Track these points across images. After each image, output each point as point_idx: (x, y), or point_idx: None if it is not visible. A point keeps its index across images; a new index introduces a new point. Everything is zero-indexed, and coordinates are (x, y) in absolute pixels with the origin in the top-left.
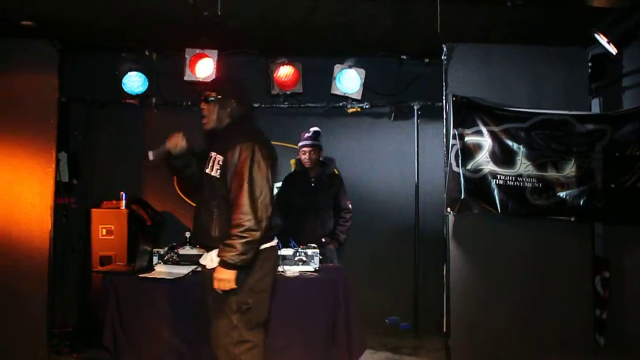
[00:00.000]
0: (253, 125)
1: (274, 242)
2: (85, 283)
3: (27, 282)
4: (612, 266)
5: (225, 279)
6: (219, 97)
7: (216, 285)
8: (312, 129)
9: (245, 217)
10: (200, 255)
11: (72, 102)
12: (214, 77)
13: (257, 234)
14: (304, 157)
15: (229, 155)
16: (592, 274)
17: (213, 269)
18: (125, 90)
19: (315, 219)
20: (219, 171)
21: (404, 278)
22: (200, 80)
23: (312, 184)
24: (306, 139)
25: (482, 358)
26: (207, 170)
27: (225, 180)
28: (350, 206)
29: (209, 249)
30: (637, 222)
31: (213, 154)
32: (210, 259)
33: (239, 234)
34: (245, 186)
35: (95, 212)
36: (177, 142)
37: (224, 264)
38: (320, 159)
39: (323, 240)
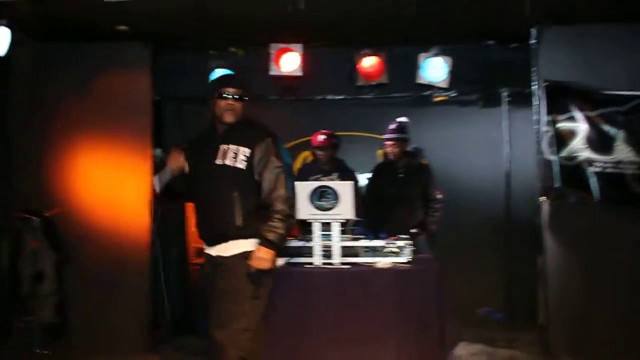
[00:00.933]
0: None
1: None
2: (183, 274)
3: (130, 274)
4: None
5: (266, 258)
6: (246, 96)
7: (256, 263)
8: (398, 120)
9: (287, 205)
10: (294, 247)
11: (165, 100)
12: (300, 70)
13: (294, 222)
14: (388, 150)
15: (257, 148)
16: None
17: (230, 257)
18: None
19: (404, 210)
20: (244, 162)
21: (495, 269)
22: (286, 74)
23: (401, 175)
24: (389, 132)
25: (582, 352)
26: (227, 162)
27: (251, 171)
28: (439, 196)
29: (226, 240)
30: None
31: (231, 146)
32: (225, 248)
33: (282, 217)
34: (283, 177)
35: (189, 205)
36: (179, 162)
37: (267, 243)
38: (408, 149)
39: (413, 231)
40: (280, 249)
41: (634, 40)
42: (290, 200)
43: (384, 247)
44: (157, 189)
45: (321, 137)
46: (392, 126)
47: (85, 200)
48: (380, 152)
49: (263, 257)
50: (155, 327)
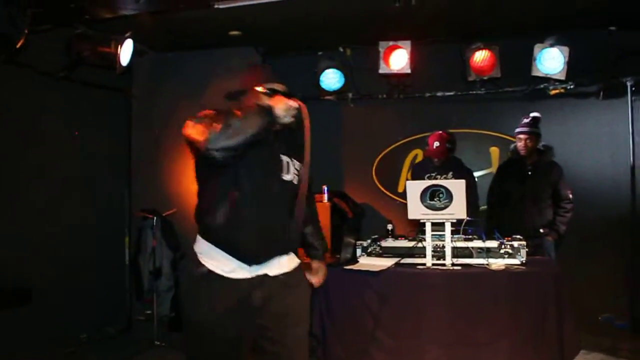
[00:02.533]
0: None
1: None
2: None
3: None
4: None
5: (325, 273)
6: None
7: (321, 280)
8: (532, 115)
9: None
10: (406, 248)
11: None
12: (408, 68)
13: None
14: (520, 145)
15: (303, 162)
16: None
17: (292, 272)
18: (322, 87)
19: (532, 209)
20: (297, 178)
21: (619, 272)
22: (395, 71)
23: (529, 172)
24: (523, 126)
25: None
26: (288, 178)
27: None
28: (571, 196)
29: (283, 253)
30: None
31: (291, 160)
32: (279, 264)
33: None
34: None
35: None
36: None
37: (322, 258)
38: (538, 146)
39: (541, 231)
40: None
41: None
42: None
43: (497, 248)
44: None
45: (435, 145)
46: (526, 120)
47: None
48: (494, 149)
49: (324, 273)
50: None
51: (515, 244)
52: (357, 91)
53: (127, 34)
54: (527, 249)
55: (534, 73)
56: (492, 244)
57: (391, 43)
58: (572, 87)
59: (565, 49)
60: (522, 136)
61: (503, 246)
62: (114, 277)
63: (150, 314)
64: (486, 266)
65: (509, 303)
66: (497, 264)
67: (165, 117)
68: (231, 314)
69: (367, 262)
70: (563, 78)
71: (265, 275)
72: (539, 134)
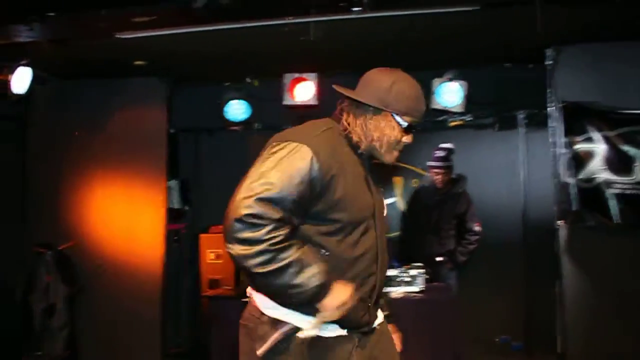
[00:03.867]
0: None
1: None
2: (196, 306)
3: (144, 304)
4: None
5: None
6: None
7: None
8: (443, 146)
9: None
10: None
11: (181, 132)
12: (315, 100)
13: None
14: (437, 179)
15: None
16: None
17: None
18: (228, 118)
19: (433, 237)
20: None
21: (514, 295)
22: (300, 103)
23: (436, 201)
24: (437, 160)
25: None
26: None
27: None
28: (477, 229)
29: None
30: None
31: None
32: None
33: None
34: None
35: (203, 237)
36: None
37: None
38: (453, 176)
39: (438, 259)
40: None
41: None
42: None
43: (396, 276)
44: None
45: None
46: (439, 153)
47: (100, 232)
48: (397, 179)
49: None
50: (167, 357)
51: (414, 272)
52: (263, 122)
53: (23, 61)
54: (427, 277)
55: (433, 106)
56: (392, 272)
57: (296, 75)
58: (470, 119)
59: (464, 83)
60: (435, 170)
61: (401, 274)
62: (4, 317)
63: (40, 355)
64: (386, 293)
65: (405, 330)
66: (396, 291)
67: (63, 146)
68: None
69: None
70: (461, 110)
71: (368, 330)
72: (450, 166)
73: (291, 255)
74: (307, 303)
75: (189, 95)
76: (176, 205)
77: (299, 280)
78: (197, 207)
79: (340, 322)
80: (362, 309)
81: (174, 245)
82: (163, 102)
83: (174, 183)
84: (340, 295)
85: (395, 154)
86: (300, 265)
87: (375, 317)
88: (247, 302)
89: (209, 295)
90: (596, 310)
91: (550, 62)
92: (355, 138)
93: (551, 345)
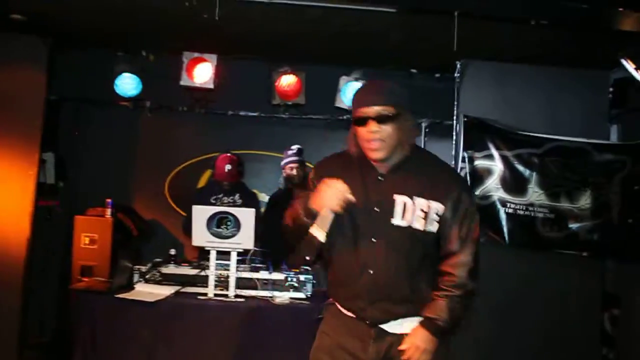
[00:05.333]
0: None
1: None
2: (64, 293)
3: (1, 290)
4: (623, 303)
5: (428, 348)
6: (398, 111)
7: (414, 355)
8: (296, 146)
9: (470, 281)
10: (188, 275)
11: (63, 101)
12: (212, 83)
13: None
14: (292, 173)
15: (448, 201)
16: (601, 311)
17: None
18: (118, 92)
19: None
20: (436, 224)
21: None
22: (198, 85)
23: None
24: (292, 156)
25: None
26: (417, 225)
27: (439, 233)
28: None
29: (409, 316)
30: None
31: (414, 200)
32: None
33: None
34: (473, 243)
35: (78, 219)
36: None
37: (435, 327)
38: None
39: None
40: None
41: (552, 83)
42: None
43: (284, 280)
44: (323, 239)
45: (227, 168)
46: (293, 149)
47: None
48: None
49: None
50: (27, 349)
51: (302, 277)
52: (156, 101)
53: None
54: (312, 282)
55: (337, 104)
56: (279, 276)
57: (196, 55)
58: None
59: None
60: (293, 165)
61: (289, 279)
62: None
63: None
64: (271, 299)
65: (288, 338)
66: (281, 297)
67: None
68: None
69: (144, 290)
70: None
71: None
72: (305, 162)
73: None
74: (307, 212)
75: (75, 61)
76: (50, 180)
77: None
78: (74, 185)
79: (347, 307)
80: (358, 302)
81: (45, 224)
82: (42, 65)
83: (49, 156)
84: (324, 188)
85: (370, 146)
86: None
87: (383, 319)
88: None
89: (76, 288)
90: (482, 329)
91: (458, 75)
92: (349, 150)
93: None
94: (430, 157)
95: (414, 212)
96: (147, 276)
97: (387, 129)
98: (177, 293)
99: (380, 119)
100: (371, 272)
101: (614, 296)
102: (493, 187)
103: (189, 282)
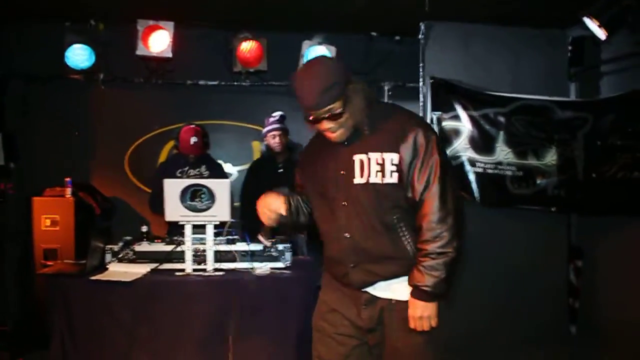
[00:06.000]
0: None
1: None
2: (26, 278)
3: None
4: (585, 255)
5: (426, 315)
6: (345, 100)
7: (417, 325)
8: (277, 113)
9: (443, 228)
10: (163, 252)
11: (10, 77)
12: (169, 52)
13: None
14: (274, 141)
15: (403, 148)
16: (567, 263)
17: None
18: (68, 64)
19: None
20: (395, 174)
21: None
22: (155, 54)
23: (280, 170)
24: (273, 123)
25: (454, 351)
26: (375, 179)
27: (403, 183)
28: None
29: (395, 276)
30: (617, 212)
31: (369, 155)
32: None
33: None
34: (438, 186)
35: (37, 200)
36: (278, 208)
37: (424, 294)
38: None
39: None
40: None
41: (519, 44)
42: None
43: (262, 251)
44: (268, 243)
45: (193, 140)
46: (275, 117)
47: None
48: (256, 143)
49: (424, 316)
50: None
51: (280, 246)
52: (110, 72)
53: None
54: (291, 251)
55: None
56: (257, 246)
57: (151, 22)
58: None
59: (333, 48)
60: (275, 132)
61: (267, 250)
62: None
63: None
64: (250, 271)
65: (274, 309)
66: (262, 268)
67: None
68: None
69: (118, 270)
70: None
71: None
72: (287, 130)
73: None
74: None
75: (20, 35)
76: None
77: None
78: (26, 165)
79: (333, 275)
80: (340, 267)
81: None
82: None
83: None
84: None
85: (330, 137)
86: None
87: (368, 282)
88: (96, 280)
89: (44, 273)
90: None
91: (422, 36)
92: None
93: None
94: (389, 111)
95: (370, 167)
96: (120, 255)
97: (340, 120)
98: (153, 271)
99: (331, 117)
100: (347, 235)
101: (578, 248)
102: (462, 147)
103: (165, 259)
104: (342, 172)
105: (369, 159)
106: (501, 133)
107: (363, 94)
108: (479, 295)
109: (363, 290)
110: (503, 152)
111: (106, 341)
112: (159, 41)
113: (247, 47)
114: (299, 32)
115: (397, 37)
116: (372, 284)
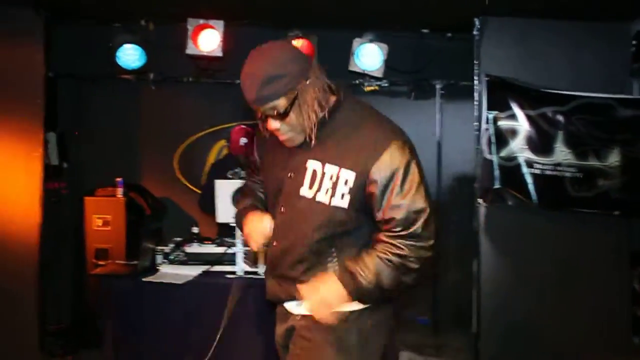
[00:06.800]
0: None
1: None
2: (79, 278)
3: (16, 278)
4: None
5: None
6: (292, 96)
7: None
8: None
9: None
10: (214, 254)
11: (61, 77)
12: (220, 50)
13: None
14: None
15: (376, 169)
16: (630, 271)
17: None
18: (119, 64)
19: None
20: (347, 197)
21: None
22: (204, 54)
23: None
24: None
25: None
26: (323, 198)
27: (355, 208)
28: None
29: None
30: None
31: (325, 167)
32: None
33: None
34: (414, 197)
35: (89, 200)
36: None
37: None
38: None
39: None
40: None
41: (579, 39)
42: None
43: None
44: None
45: (243, 141)
46: None
47: None
48: None
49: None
50: (46, 335)
51: None
52: (160, 72)
53: None
54: None
55: (351, 68)
56: None
57: (201, 21)
58: (386, 85)
59: (384, 46)
60: None
61: None
62: None
63: None
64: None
65: None
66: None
67: None
68: None
69: (170, 272)
70: (380, 75)
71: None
72: None
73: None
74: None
75: (72, 36)
76: (53, 161)
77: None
78: (78, 165)
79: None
80: (268, 277)
81: (52, 207)
82: (40, 40)
83: (51, 136)
84: (246, 229)
85: (280, 137)
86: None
87: (277, 297)
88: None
89: (97, 273)
90: (512, 291)
91: (477, 32)
92: None
93: (460, 323)
94: (358, 118)
95: (322, 181)
96: (170, 257)
97: (288, 119)
98: (204, 273)
99: (277, 116)
100: (275, 243)
101: None
102: (518, 148)
103: (216, 261)
104: (290, 174)
105: (323, 172)
106: (560, 133)
107: (321, 94)
108: (536, 301)
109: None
110: (562, 153)
111: (157, 343)
112: (209, 40)
113: (297, 45)
114: (350, 29)
115: (449, 34)
116: (285, 301)
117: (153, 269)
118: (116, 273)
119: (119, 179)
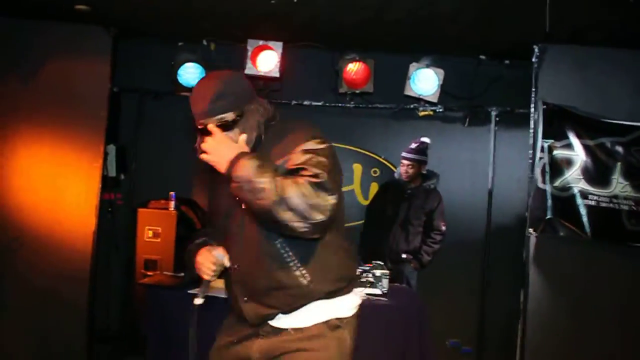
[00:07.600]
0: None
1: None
2: (128, 286)
3: (69, 284)
4: None
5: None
6: (236, 108)
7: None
8: (421, 139)
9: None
10: None
11: (124, 92)
12: (277, 71)
13: None
14: (402, 169)
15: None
16: None
17: None
18: (180, 82)
19: (400, 234)
20: None
21: (469, 299)
22: (263, 74)
23: (406, 195)
24: (408, 151)
25: None
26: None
27: None
28: (444, 229)
29: (293, 309)
30: None
31: None
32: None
33: None
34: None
35: (142, 211)
36: (222, 259)
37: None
38: (423, 172)
39: (404, 256)
40: None
41: (638, 68)
42: None
43: (359, 276)
44: (200, 302)
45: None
46: (413, 145)
47: (23, 199)
48: (357, 166)
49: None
50: (94, 342)
51: (378, 272)
52: None
53: None
54: (388, 277)
55: (407, 92)
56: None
57: (261, 42)
58: (441, 110)
59: (441, 71)
60: (404, 162)
61: (364, 275)
62: None
63: None
64: None
65: (368, 336)
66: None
67: None
68: None
69: (215, 285)
70: (435, 100)
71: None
72: (424, 161)
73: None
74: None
75: (136, 52)
76: (111, 173)
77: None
78: (135, 177)
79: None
80: (236, 304)
81: (107, 217)
82: (106, 56)
83: (110, 148)
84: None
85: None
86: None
87: (260, 316)
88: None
89: (144, 283)
90: (562, 325)
91: (536, 60)
92: None
93: (505, 354)
94: (283, 130)
95: None
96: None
97: (232, 133)
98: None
99: (222, 126)
100: (236, 266)
101: None
102: (573, 178)
103: None
104: (236, 197)
105: None
106: (618, 164)
107: (261, 115)
108: (592, 341)
109: (262, 325)
110: (620, 185)
111: (200, 355)
112: (267, 61)
113: (354, 68)
114: (407, 54)
115: (507, 61)
116: (270, 317)
117: (200, 281)
118: (163, 284)
119: (172, 193)
